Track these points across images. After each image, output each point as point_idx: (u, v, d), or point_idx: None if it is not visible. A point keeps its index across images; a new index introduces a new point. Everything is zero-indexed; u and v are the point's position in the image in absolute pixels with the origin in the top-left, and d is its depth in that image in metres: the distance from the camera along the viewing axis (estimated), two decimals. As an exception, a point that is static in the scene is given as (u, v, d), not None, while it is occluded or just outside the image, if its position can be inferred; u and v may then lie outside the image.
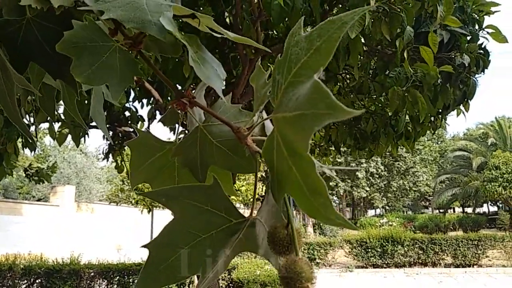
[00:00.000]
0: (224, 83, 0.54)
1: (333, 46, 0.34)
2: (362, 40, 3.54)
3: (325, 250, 14.14)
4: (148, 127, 4.45)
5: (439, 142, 35.76)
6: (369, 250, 13.51)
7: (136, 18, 0.44)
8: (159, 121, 0.64)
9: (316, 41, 0.35)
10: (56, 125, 3.56)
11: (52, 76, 0.58)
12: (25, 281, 8.18)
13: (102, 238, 13.83)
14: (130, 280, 8.16)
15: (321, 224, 26.87)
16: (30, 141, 3.33)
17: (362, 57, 3.64)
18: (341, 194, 27.31)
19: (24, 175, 6.56)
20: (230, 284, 7.84)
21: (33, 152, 3.51)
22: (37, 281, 8.18)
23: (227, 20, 3.28)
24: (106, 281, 8.24)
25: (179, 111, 0.56)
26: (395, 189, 27.66)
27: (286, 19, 2.81)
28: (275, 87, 0.39)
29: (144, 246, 0.44)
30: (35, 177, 6.39)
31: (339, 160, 23.72)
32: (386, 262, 13.35)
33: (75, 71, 0.47)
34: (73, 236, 13.08)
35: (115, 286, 8.23)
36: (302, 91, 0.34)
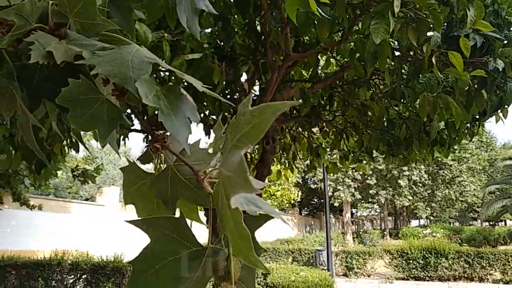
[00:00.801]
0: (191, 131, 0.61)
1: (266, 126, 0.43)
2: (395, 45, 3.52)
3: (363, 259, 13.82)
4: (151, 140, 4.61)
5: (488, 151, 33.87)
6: (411, 261, 13.03)
7: (120, 74, 0.53)
8: (137, 159, 0.75)
9: (255, 119, 0.44)
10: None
11: (61, 111, 0.69)
12: (72, 276, 8.65)
13: (143, 238, 14.34)
14: None
15: (360, 232, 26.22)
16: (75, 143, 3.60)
17: (394, 62, 3.61)
18: (382, 202, 26.55)
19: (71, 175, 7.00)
20: (266, 289, 7.88)
21: (77, 153, 3.77)
22: (83, 276, 8.63)
23: (258, 28, 3.37)
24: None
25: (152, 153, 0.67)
26: (440, 198, 26.47)
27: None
28: (226, 143, 0.49)
29: (129, 263, 0.56)
30: (81, 177, 6.81)
31: (379, 167, 23.11)
32: (429, 275, 12.81)
33: (71, 120, 0.58)
34: (117, 234, 13.67)
35: None
36: (237, 157, 0.43)
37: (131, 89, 0.53)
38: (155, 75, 3.27)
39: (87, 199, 17.98)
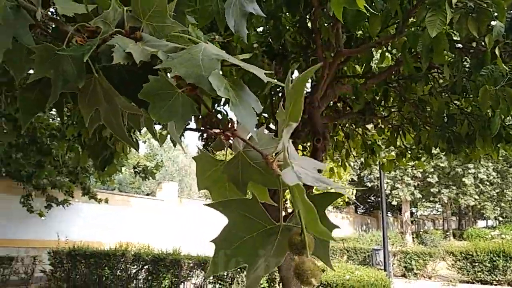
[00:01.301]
0: (256, 119, 0.67)
1: (300, 97, 0.50)
2: (456, 36, 3.32)
3: (424, 260, 13.20)
4: (222, 130, 4.71)
5: None
6: (476, 264, 12.24)
7: (194, 74, 0.60)
8: (210, 147, 0.81)
9: (293, 96, 0.50)
10: (158, 126, 4.00)
11: (137, 105, 0.77)
12: (135, 266, 9.18)
13: (201, 231, 14.86)
14: (224, 273, 8.64)
15: (420, 232, 25.04)
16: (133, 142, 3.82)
17: (454, 54, 3.41)
18: (445, 201, 25.14)
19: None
20: (320, 287, 7.83)
21: (137, 151, 4.00)
22: (145, 267, 9.12)
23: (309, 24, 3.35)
24: (203, 272, 8.85)
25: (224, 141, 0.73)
26: (510, 198, 24.53)
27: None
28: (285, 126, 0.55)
29: (212, 241, 0.62)
30: (142, 174, 7.20)
31: (442, 165, 21.89)
32: (497, 279, 11.95)
33: (151, 112, 0.65)
34: (175, 228, 14.26)
35: (211, 277, 8.78)
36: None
37: (205, 87, 0.59)
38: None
39: (147, 194, 18.93)
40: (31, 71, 0.74)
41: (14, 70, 0.77)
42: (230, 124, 0.71)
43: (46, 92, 0.76)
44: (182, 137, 4.77)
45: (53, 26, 0.80)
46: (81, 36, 0.67)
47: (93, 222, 12.12)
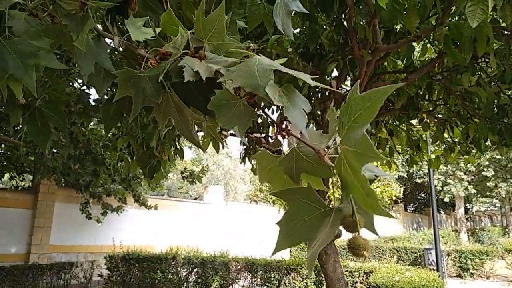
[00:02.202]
0: (306, 119, 0.75)
1: (376, 109, 0.56)
2: (502, 23, 3.17)
3: (480, 259, 12.52)
4: (278, 130, 4.75)
5: None
6: (540, 262, 11.46)
7: (251, 83, 0.69)
8: (270, 144, 0.91)
9: (366, 103, 0.57)
10: (200, 134, 4.14)
11: (202, 113, 0.91)
12: (185, 269, 9.46)
13: (246, 233, 15.02)
14: (271, 275, 8.69)
15: (477, 230, 23.74)
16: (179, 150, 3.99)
17: (501, 42, 3.25)
18: (503, 196, 23.68)
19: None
20: (369, 288, 7.67)
21: (182, 160, 4.18)
22: (194, 270, 9.38)
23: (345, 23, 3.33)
24: (250, 274, 8.96)
25: (281, 139, 0.87)
26: None
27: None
28: (341, 125, 0.63)
29: (277, 223, 0.73)
30: (189, 178, 7.43)
31: (498, 157, 20.65)
32: None
33: (219, 120, 0.77)
34: (222, 230, 14.53)
35: (258, 279, 8.87)
36: (357, 136, 0.58)
37: (262, 95, 0.69)
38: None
39: (195, 198, 19.42)
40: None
41: (96, 89, 0.92)
42: (283, 124, 0.83)
43: (122, 106, 0.90)
44: (225, 143, 4.89)
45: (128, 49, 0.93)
46: (154, 59, 0.77)
47: (145, 227, 12.63)
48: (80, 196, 9.68)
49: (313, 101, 4.41)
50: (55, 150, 5.85)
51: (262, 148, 0.88)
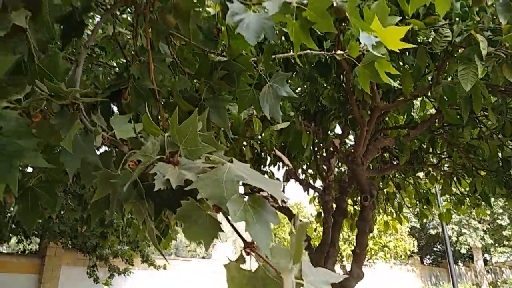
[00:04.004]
0: (272, 236, 0.75)
1: (301, 250, 0.61)
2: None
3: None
4: (283, 187, 4.77)
5: None
6: None
7: (217, 195, 0.69)
8: (234, 261, 0.92)
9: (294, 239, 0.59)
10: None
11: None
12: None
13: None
14: None
15: (498, 283, 22.53)
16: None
17: (497, 98, 3.34)
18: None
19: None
20: None
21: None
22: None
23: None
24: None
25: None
26: None
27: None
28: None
29: None
30: (196, 238, 7.32)
31: None
32: None
33: (184, 233, 0.76)
34: (233, 292, 14.00)
35: None
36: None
37: (224, 209, 0.68)
38: (251, 144, 3.53)
39: (203, 257, 18.96)
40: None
41: (85, 181, 0.95)
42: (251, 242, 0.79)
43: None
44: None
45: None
46: (133, 161, 0.82)
47: (153, 289, 12.25)
48: (87, 259, 9.52)
49: (318, 157, 4.46)
50: (62, 212, 5.88)
51: (230, 260, 0.86)
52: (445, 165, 4.86)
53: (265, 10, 1.26)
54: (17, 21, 1.05)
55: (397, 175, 5.22)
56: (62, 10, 1.57)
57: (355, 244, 3.73)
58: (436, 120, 4.05)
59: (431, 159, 4.81)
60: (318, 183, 5.23)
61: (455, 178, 4.70)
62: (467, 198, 4.89)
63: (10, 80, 1.12)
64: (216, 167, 0.75)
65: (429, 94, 3.90)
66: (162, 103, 1.61)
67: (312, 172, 5.18)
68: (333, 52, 1.67)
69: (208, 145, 0.85)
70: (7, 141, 0.80)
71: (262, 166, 4.78)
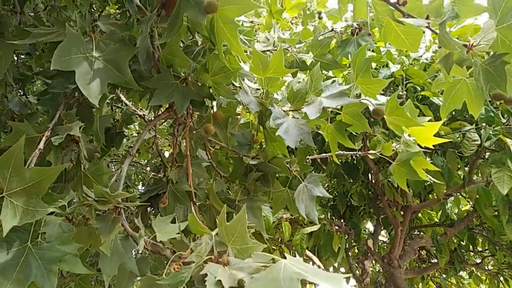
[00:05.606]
0: None
1: None
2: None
3: None
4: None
5: None
6: None
7: None
8: None
9: None
10: None
11: None
12: None
13: None
14: None
15: None
16: None
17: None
18: None
19: None
20: None
21: None
22: None
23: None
24: None
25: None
26: None
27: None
28: None
29: None
30: None
31: None
32: None
33: None
34: None
35: None
36: None
37: None
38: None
39: None
40: None
41: None
42: None
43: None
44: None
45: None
46: (177, 263, 0.80)
47: None
48: None
49: (349, 255, 4.26)
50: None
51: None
52: (489, 263, 4.52)
53: (302, 115, 1.32)
54: (72, 131, 1.09)
55: (437, 274, 4.87)
56: (108, 122, 1.70)
57: None
58: (473, 218, 3.87)
59: (473, 258, 4.49)
60: (351, 283, 4.92)
61: (501, 278, 4.32)
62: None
63: (55, 188, 1.17)
64: (269, 265, 0.71)
65: (463, 192, 3.81)
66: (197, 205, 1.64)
67: (344, 271, 4.90)
68: (366, 151, 1.70)
69: (260, 243, 0.83)
70: (47, 247, 0.81)
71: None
